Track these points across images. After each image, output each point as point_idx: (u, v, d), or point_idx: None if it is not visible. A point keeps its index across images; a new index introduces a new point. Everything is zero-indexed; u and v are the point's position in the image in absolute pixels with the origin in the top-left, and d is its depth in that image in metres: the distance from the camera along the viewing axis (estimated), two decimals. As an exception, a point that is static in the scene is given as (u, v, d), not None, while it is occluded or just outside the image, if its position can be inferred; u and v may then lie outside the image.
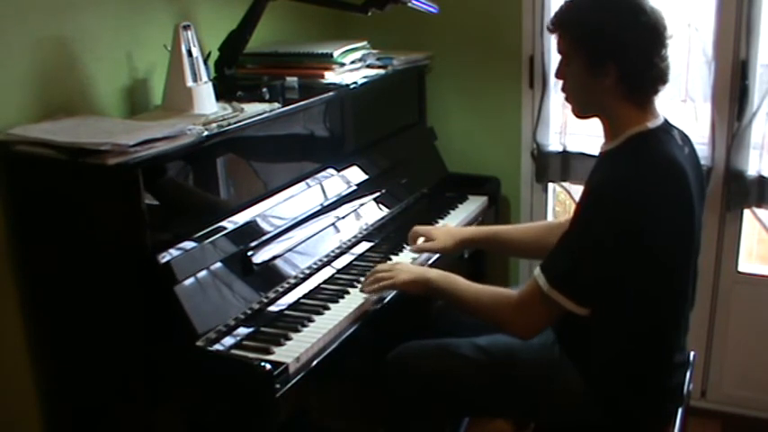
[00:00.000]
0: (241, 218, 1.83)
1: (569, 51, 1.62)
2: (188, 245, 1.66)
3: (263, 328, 1.70)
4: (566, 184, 2.73)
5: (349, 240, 2.13)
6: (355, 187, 2.25)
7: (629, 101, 1.59)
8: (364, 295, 1.86)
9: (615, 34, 1.55)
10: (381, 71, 2.47)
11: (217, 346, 1.60)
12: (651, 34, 1.56)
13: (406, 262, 2.07)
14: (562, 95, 1.71)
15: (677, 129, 1.68)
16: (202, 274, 1.66)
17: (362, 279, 1.94)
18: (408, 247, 2.13)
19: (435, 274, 1.82)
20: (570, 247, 1.58)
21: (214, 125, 1.77)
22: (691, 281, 1.67)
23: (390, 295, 1.91)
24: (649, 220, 1.52)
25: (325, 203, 2.11)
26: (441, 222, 2.44)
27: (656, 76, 1.59)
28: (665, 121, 1.65)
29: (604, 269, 1.55)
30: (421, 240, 2.12)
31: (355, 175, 2.28)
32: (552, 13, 1.67)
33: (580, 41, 1.59)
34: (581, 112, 1.70)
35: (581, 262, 1.56)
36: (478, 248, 2.33)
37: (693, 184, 1.59)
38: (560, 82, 1.68)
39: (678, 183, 1.55)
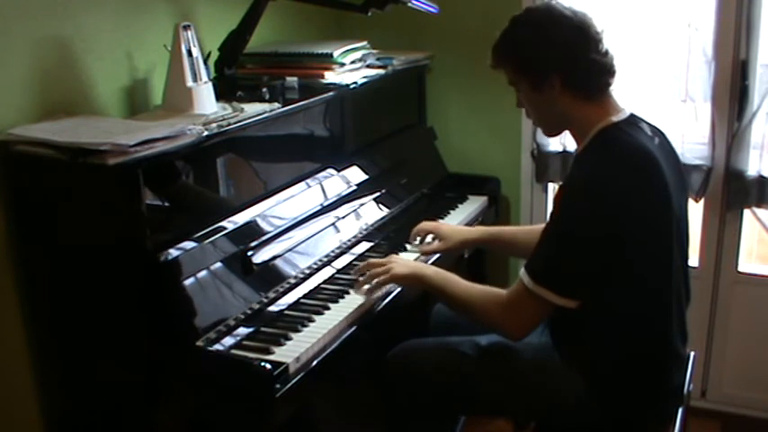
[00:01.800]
0: (241, 218, 1.83)
1: (514, 79, 1.69)
2: (188, 245, 1.66)
3: (263, 328, 1.70)
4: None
5: (349, 240, 2.13)
6: (355, 187, 2.25)
7: (584, 100, 1.63)
8: (363, 295, 1.86)
9: (545, 47, 1.61)
10: (381, 71, 2.47)
11: (217, 346, 1.60)
12: (579, 34, 1.60)
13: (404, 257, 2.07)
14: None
15: (645, 122, 1.71)
16: (202, 274, 1.66)
17: (360, 278, 1.93)
18: (416, 246, 2.13)
19: (431, 270, 1.83)
20: (548, 242, 1.60)
21: (214, 125, 1.77)
22: (681, 276, 1.68)
23: (390, 295, 1.91)
24: (621, 208, 1.53)
25: (326, 203, 2.11)
26: (440, 222, 2.44)
27: (599, 70, 1.62)
28: (631, 114, 1.67)
29: (584, 261, 1.56)
30: (429, 238, 2.14)
31: (355, 175, 2.28)
32: None
33: (518, 67, 1.67)
34: (550, 130, 1.77)
35: (560, 254, 1.58)
36: (482, 248, 2.34)
37: (668, 174, 1.60)
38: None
39: (648, 170, 1.57)
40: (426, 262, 2.11)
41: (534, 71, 1.63)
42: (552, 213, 1.62)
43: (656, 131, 1.71)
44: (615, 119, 1.62)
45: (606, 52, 1.62)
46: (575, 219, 1.56)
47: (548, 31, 1.61)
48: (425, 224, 2.17)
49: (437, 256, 2.16)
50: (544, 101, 1.65)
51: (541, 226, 2.20)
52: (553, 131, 1.77)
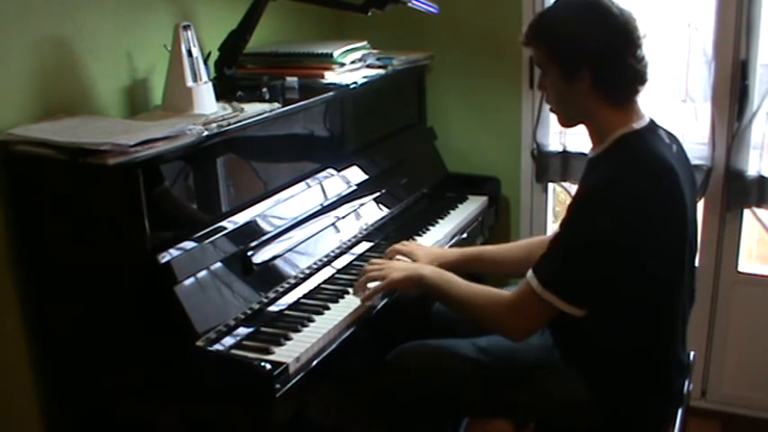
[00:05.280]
0: (241, 218, 1.83)
1: (544, 62, 1.64)
2: (188, 245, 1.66)
3: (263, 328, 1.70)
4: (566, 184, 2.74)
5: (349, 240, 2.13)
6: (355, 187, 2.25)
7: (609, 104, 1.60)
8: (361, 302, 1.85)
9: (583, 40, 1.56)
10: (381, 71, 2.47)
11: (217, 346, 1.60)
12: (621, 36, 1.56)
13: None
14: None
15: (663, 128, 1.69)
16: (202, 274, 1.66)
17: (359, 286, 1.90)
18: None
19: (429, 270, 1.81)
20: (561, 248, 1.59)
21: (214, 125, 1.77)
22: (687, 279, 1.67)
23: (390, 296, 1.91)
24: (639, 219, 1.52)
25: (326, 203, 2.11)
26: (440, 222, 2.44)
27: (632, 77, 1.59)
28: (651, 121, 1.65)
29: (596, 269, 1.55)
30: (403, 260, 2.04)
31: (355, 175, 2.28)
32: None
33: (551, 51, 1.61)
34: (566, 120, 1.72)
35: (572, 262, 1.56)
36: (462, 270, 2.24)
37: (684, 182, 1.59)
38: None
39: (667, 180, 1.55)
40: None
41: (566, 61, 1.58)
42: (565, 218, 1.60)
43: (673, 138, 1.69)
44: (636, 126, 1.60)
45: (642, 58, 1.58)
46: (589, 225, 1.54)
47: (590, 25, 1.56)
48: (399, 246, 2.04)
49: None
50: (569, 92, 1.61)
51: (524, 242, 2.17)
52: (569, 123, 1.73)
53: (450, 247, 2.25)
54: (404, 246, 2.05)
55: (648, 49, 1.60)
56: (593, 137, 1.67)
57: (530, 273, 1.60)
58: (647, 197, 1.52)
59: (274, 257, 1.85)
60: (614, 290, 1.56)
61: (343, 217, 2.14)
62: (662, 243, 1.55)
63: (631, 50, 1.57)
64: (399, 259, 2.00)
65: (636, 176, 1.54)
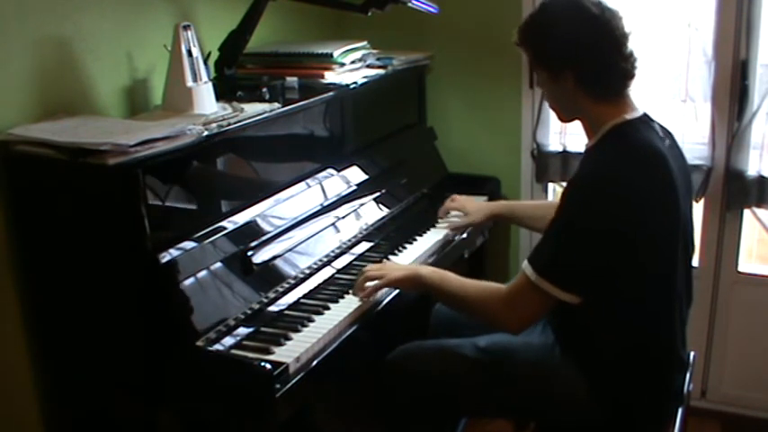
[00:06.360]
0: (241, 218, 1.83)
1: (532, 63, 1.69)
2: (188, 245, 1.66)
3: (263, 328, 1.70)
4: (565, 184, 2.73)
5: (349, 240, 2.13)
6: (355, 187, 2.25)
7: (598, 100, 1.61)
8: (361, 300, 1.85)
9: (562, 42, 1.58)
10: (381, 71, 2.47)
11: (217, 346, 1.60)
12: (602, 36, 1.57)
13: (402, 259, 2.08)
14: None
15: (657, 123, 1.70)
16: (202, 274, 1.66)
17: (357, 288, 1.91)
18: (444, 222, 2.34)
19: (427, 270, 1.82)
20: (554, 235, 1.59)
21: (214, 125, 1.77)
22: (683, 278, 1.67)
23: (390, 296, 1.91)
24: (631, 205, 1.52)
25: (325, 203, 2.11)
26: (442, 222, 2.44)
27: (617, 74, 1.60)
28: (645, 114, 1.66)
29: (590, 255, 1.55)
30: (455, 217, 2.34)
31: (355, 175, 2.28)
32: None
33: (536, 53, 1.65)
34: (563, 116, 1.75)
35: (565, 249, 1.56)
36: (503, 222, 2.52)
37: (676, 174, 1.59)
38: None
39: (659, 169, 1.56)
40: (425, 262, 2.13)
41: (549, 63, 1.62)
42: (559, 206, 1.61)
43: (667, 133, 1.70)
44: (628, 116, 1.61)
45: (629, 55, 1.59)
46: (582, 212, 1.55)
47: (569, 28, 1.57)
48: (451, 203, 2.34)
49: (463, 234, 2.30)
50: (558, 91, 1.65)
51: (547, 201, 2.27)
52: (567, 119, 1.75)
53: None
54: (455, 203, 2.38)
55: (641, 47, 1.62)
56: (587, 131, 1.68)
57: (525, 262, 1.60)
58: (638, 184, 1.53)
59: (274, 257, 1.85)
60: (609, 279, 1.56)
61: (343, 217, 2.14)
62: (654, 231, 1.56)
63: (615, 49, 1.58)
64: (450, 215, 2.37)
65: (627, 164, 1.55)
